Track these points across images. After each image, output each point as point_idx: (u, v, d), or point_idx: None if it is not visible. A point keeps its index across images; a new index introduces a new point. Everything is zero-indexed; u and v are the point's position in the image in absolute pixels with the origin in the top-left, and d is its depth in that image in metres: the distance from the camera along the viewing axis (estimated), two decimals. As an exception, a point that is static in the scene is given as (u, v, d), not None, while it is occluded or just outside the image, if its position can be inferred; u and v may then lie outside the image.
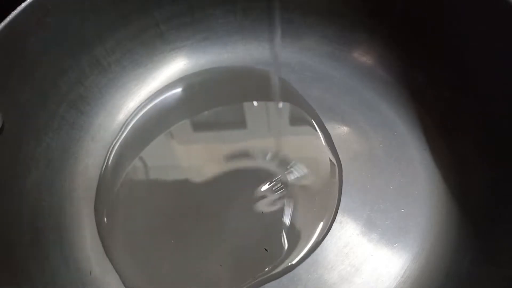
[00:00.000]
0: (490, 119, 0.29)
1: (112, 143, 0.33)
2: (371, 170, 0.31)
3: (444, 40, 0.31)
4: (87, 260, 0.29)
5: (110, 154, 0.33)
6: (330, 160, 0.32)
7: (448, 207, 0.30)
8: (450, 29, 0.31)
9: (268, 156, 0.32)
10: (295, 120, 0.34)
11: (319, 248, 0.28)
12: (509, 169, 0.28)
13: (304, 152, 0.32)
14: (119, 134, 0.34)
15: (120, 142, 0.33)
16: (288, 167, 0.31)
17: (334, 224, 0.29)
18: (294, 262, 0.28)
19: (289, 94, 0.35)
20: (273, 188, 0.30)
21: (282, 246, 0.28)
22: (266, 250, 0.28)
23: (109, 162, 0.32)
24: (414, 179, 0.31)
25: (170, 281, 0.28)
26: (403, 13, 0.32)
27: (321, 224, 0.29)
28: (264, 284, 0.28)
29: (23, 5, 0.26)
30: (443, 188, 0.31)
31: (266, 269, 0.28)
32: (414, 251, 0.28)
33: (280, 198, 0.30)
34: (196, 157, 0.32)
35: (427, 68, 0.33)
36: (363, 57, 0.36)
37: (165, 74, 0.36)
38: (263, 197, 0.30)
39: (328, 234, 0.29)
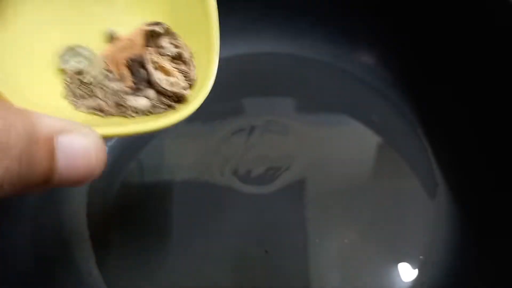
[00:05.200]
0: (491, 118, 0.29)
1: (110, 144, 0.33)
2: (371, 171, 0.31)
3: (445, 39, 0.31)
4: (86, 262, 0.29)
5: (108, 155, 0.33)
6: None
7: (448, 207, 0.30)
8: (451, 29, 0.31)
9: (271, 156, 0.32)
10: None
11: (317, 250, 0.28)
12: (510, 169, 0.28)
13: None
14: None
15: (119, 143, 0.33)
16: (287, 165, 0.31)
17: (335, 225, 0.29)
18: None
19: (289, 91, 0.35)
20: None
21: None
22: (267, 252, 0.28)
23: (107, 163, 0.32)
24: (414, 179, 0.31)
25: (170, 281, 0.28)
26: (404, 13, 0.32)
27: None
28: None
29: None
30: (443, 188, 0.31)
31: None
32: (414, 252, 0.28)
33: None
34: (194, 157, 0.32)
35: (428, 67, 0.33)
36: (364, 56, 0.36)
37: (164, 74, 0.36)
38: (263, 195, 0.30)
39: (328, 236, 0.29)
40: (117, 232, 0.30)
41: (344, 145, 0.32)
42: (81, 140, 0.13)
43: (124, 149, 0.33)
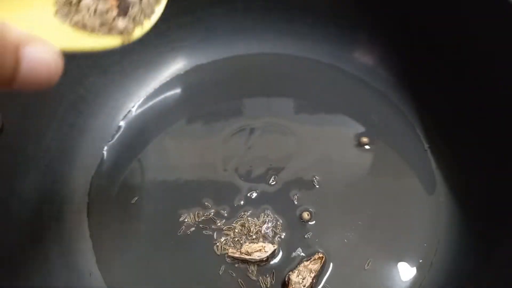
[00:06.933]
0: (490, 119, 0.29)
1: (110, 144, 0.33)
2: (371, 171, 0.31)
3: (445, 40, 0.31)
4: (87, 262, 0.29)
5: (109, 155, 0.33)
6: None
7: (449, 207, 0.30)
8: (450, 29, 0.31)
9: (271, 156, 0.32)
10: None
11: (317, 250, 0.28)
12: (510, 169, 0.28)
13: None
14: (118, 135, 0.34)
15: (119, 143, 0.33)
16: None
17: (335, 225, 0.29)
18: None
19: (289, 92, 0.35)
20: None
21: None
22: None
23: (108, 163, 0.32)
24: (414, 179, 0.31)
25: (170, 281, 0.28)
26: (404, 14, 0.32)
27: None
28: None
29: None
30: (444, 188, 0.31)
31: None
32: (414, 252, 0.28)
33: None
34: (195, 157, 0.32)
35: (428, 68, 0.33)
36: (364, 57, 0.36)
37: (164, 74, 0.36)
38: (263, 195, 0.30)
39: (328, 235, 0.29)
40: (117, 232, 0.30)
41: (344, 145, 0.32)
42: (43, 50, 0.16)
43: (124, 149, 0.33)
